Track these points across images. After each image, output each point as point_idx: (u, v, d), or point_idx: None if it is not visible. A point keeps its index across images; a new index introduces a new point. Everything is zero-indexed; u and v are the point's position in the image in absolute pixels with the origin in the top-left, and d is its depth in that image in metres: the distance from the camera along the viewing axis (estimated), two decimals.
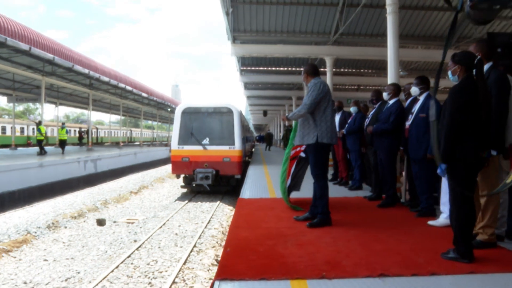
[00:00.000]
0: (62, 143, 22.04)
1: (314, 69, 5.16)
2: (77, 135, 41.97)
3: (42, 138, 19.84)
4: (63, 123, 23.67)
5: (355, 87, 31.95)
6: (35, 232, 9.27)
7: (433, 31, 17.59)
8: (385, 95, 6.52)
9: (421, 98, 5.44)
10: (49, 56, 17.67)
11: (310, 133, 4.91)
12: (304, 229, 4.74)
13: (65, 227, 10.16)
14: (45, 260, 7.44)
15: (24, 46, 15.82)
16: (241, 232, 4.67)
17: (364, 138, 7.35)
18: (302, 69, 5.63)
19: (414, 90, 5.57)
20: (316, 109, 4.89)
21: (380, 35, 17.56)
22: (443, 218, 4.78)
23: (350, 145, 8.19)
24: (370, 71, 26.21)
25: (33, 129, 38.15)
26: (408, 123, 5.60)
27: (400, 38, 10.04)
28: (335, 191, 7.67)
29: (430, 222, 4.88)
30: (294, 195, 6.40)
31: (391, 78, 9.04)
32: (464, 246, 3.48)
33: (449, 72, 3.78)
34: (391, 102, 6.33)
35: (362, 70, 26.15)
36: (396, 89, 6.37)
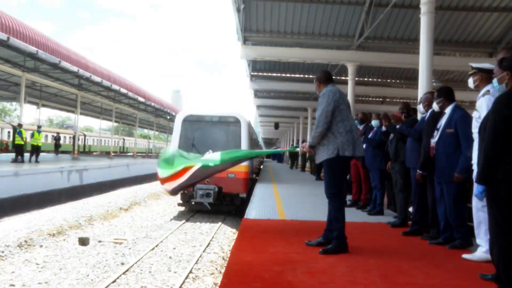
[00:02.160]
0: (36, 150, 21.12)
1: (327, 75, 5.20)
2: (53, 141, 39.40)
3: (22, 143, 19.67)
4: (39, 126, 23.22)
5: (380, 99, 31.98)
6: (2, 252, 9.11)
7: (475, 36, 17.54)
8: (420, 107, 6.47)
9: (447, 111, 5.41)
10: (32, 49, 17.45)
11: (330, 146, 4.89)
12: (316, 255, 4.72)
13: (41, 246, 10.10)
14: (12, 285, 7.32)
15: (1, 35, 15.48)
16: (245, 255, 4.65)
17: (388, 154, 7.31)
18: None
19: (434, 105, 5.65)
20: (333, 120, 4.90)
21: (411, 39, 17.60)
22: (482, 252, 4.66)
23: (369, 163, 8.15)
24: (398, 81, 26.23)
25: (9, 132, 38.16)
26: (433, 141, 5.56)
27: (435, 44, 10.07)
28: (352, 215, 7.63)
29: (466, 256, 4.77)
30: (304, 217, 6.37)
31: (422, 89, 9.03)
32: (509, 286, 3.35)
33: (495, 80, 3.77)
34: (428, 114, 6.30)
35: (389, 80, 26.18)
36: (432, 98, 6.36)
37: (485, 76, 4.67)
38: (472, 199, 4.71)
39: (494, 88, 4.15)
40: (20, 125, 20.31)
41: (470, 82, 4.85)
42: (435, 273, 4.19)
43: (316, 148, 5.08)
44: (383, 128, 7.70)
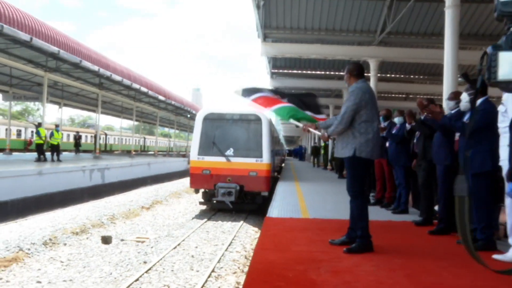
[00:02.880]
0: (56, 149, 21.29)
1: (359, 69, 5.13)
2: (73, 140, 39.37)
3: (42, 142, 19.97)
4: (57, 125, 23.51)
5: (403, 95, 31.65)
6: (29, 249, 9.31)
7: (502, 29, 17.10)
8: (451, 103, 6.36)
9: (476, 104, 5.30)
10: (54, 49, 17.70)
11: (348, 145, 4.88)
12: (340, 254, 4.70)
13: (65, 244, 10.29)
14: (38, 282, 7.49)
15: (24, 36, 15.71)
16: (268, 254, 4.67)
17: (414, 151, 7.22)
18: (342, 73, 5.65)
19: (464, 97, 5.48)
20: (357, 118, 4.86)
21: (435, 34, 17.36)
22: None
23: (393, 159, 8.07)
24: (422, 77, 25.91)
25: (32, 132, 38.78)
26: (458, 134, 5.49)
27: (460, 38, 9.90)
28: (376, 214, 7.57)
29: (496, 257, 4.64)
30: (327, 216, 6.35)
31: (447, 85, 8.90)
32: None
33: None
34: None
35: (412, 76, 25.90)
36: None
37: None
38: (505, 197, 4.61)
39: None
40: (39, 124, 20.57)
41: None
42: (463, 274, 4.13)
43: (336, 142, 5.12)
44: (407, 126, 7.61)
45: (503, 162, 4.52)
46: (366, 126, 4.86)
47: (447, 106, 6.34)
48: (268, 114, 7.91)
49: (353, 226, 5.04)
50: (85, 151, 43.68)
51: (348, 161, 4.94)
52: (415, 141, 7.10)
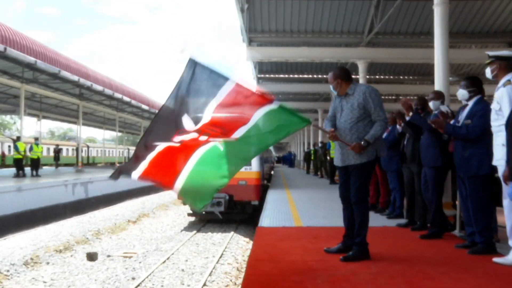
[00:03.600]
0: (35, 163, 21.13)
1: (347, 72, 5.09)
2: (53, 153, 38.46)
3: (21, 156, 19.74)
4: (36, 139, 23.36)
5: (393, 97, 31.85)
6: (8, 271, 9.17)
7: (492, 25, 17.27)
8: (431, 104, 6.43)
9: (470, 103, 5.31)
10: (30, 59, 17.58)
11: (370, 148, 4.80)
12: (336, 263, 4.66)
13: (47, 263, 10.16)
14: None
15: None
16: (262, 265, 4.62)
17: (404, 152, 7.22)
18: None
19: (462, 94, 5.41)
20: (368, 118, 4.90)
21: (424, 33, 17.49)
22: None
23: (385, 164, 8.08)
24: (412, 77, 26.13)
25: (9, 146, 38.44)
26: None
27: (450, 36, 9.94)
28: (371, 220, 7.52)
29: (497, 260, 4.63)
30: (321, 223, 6.32)
31: (438, 85, 8.89)
32: None
33: None
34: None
35: (402, 77, 26.10)
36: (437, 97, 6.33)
37: (504, 65, 4.59)
38: (503, 198, 4.61)
39: None
40: (18, 138, 20.32)
41: (488, 72, 4.77)
42: (465, 279, 4.12)
43: (343, 150, 4.94)
44: (399, 128, 7.63)
45: (498, 162, 4.52)
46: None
47: (433, 106, 6.36)
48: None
49: (349, 233, 5.01)
50: (66, 165, 43.39)
51: (367, 165, 4.85)
52: (405, 142, 7.09)
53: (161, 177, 4.53)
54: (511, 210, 4.51)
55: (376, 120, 4.82)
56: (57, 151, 35.13)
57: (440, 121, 5.39)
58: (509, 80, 4.42)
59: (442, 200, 6.18)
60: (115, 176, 4.36)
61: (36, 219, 15.33)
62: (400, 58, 19.24)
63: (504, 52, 4.66)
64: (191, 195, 4.65)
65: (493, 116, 4.64)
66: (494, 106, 4.60)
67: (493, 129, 4.66)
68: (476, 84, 5.34)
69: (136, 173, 4.33)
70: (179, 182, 4.39)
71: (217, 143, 4.46)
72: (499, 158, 4.49)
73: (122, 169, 4.57)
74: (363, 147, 4.73)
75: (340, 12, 16.61)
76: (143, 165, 4.32)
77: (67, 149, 50.06)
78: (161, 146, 4.35)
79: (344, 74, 5.03)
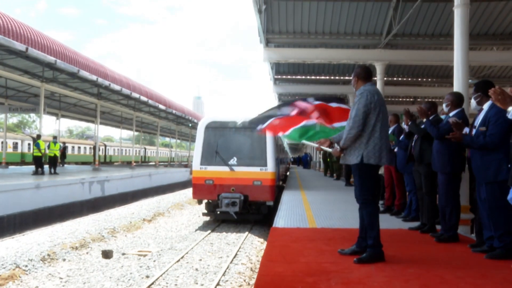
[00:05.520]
0: (53, 161, 21.45)
1: (366, 72, 5.06)
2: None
3: (40, 154, 19.91)
4: (54, 137, 23.57)
5: (411, 99, 31.58)
6: (26, 266, 9.26)
7: None
8: (444, 106, 6.36)
9: (485, 107, 5.20)
10: (50, 59, 17.72)
11: (355, 151, 4.80)
12: (350, 265, 4.63)
13: (64, 260, 10.25)
14: None
15: (19, 46, 15.72)
16: (275, 266, 4.60)
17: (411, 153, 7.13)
18: (347, 77, 5.55)
19: (473, 107, 5.41)
20: (366, 122, 4.80)
21: (443, 35, 17.27)
22: None
23: (401, 166, 8.01)
24: (430, 79, 25.82)
25: (29, 144, 38.84)
26: None
27: (470, 38, 9.80)
28: (386, 222, 7.51)
29: None
30: (335, 225, 6.28)
31: (458, 87, 8.77)
32: None
33: None
34: (451, 114, 6.17)
35: (420, 79, 25.81)
36: (455, 99, 6.21)
37: None
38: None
39: None
40: (38, 137, 20.55)
41: None
42: (482, 284, 4.04)
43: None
44: (405, 127, 7.53)
45: None
46: (374, 131, 4.78)
47: (446, 110, 6.30)
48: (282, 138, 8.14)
49: (363, 235, 4.97)
50: (84, 163, 43.84)
51: (356, 168, 4.86)
52: (413, 143, 7.01)
53: (274, 130, 7.29)
54: None
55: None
56: (63, 149, 35.16)
57: (457, 136, 5.31)
58: None
59: (458, 202, 6.09)
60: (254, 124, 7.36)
61: (54, 216, 15.49)
62: (418, 60, 19.05)
63: None
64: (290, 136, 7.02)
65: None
66: (510, 109, 4.47)
67: None
68: (480, 89, 5.26)
69: (260, 127, 6.91)
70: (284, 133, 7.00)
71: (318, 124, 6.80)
72: None
73: (254, 120, 7.20)
74: (339, 153, 5.02)
75: (358, 14, 16.49)
76: (267, 124, 6.89)
77: (85, 148, 50.56)
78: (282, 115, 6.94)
79: (362, 73, 5.04)
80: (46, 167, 20.68)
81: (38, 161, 20.00)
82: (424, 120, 6.39)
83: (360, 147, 4.78)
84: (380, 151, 4.79)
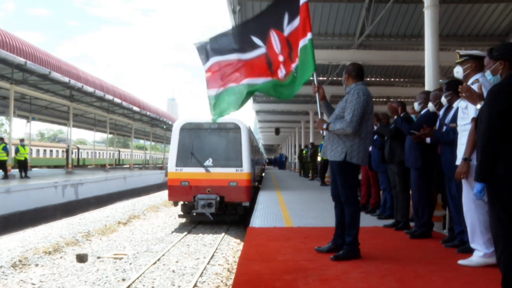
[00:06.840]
0: (23, 165, 21.02)
1: (358, 70, 5.09)
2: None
3: (6, 158, 19.50)
4: (21, 140, 23.14)
5: (384, 99, 31.96)
6: None
7: (481, 29, 17.36)
8: (415, 105, 6.52)
9: (455, 105, 5.32)
10: (20, 60, 17.38)
11: (338, 148, 4.85)
12: (327, 262, 4.68)
13: (36, 265, 10.05)
14: None
15: None
16: (253, 265, 4.62)
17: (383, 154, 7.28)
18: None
19: (443, 100, 5.57)
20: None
21: (415, 35, 17.57)
22: (478, 256, 4.46)
23: (376, 165, 8.13)
24: (402, 79, 26.21)
25: None
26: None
27: (440, 39, 10.03)
28: (361, 220, 7.53)
29: (461, 262, 4.58)
30: (311, 223, 6.34)
31: (429, 87, 8.98)
32: None
33: (488, 72, 3.74)
34: (423, 112, 6.34)
35: (392, 79, 26.17)
36: (428, 98, 6.36)
37: (476, 64, 4.58)
38: (463, 199, 4.59)
39: (484, 77, 4.15)
40: (1, 139, 19.99)
41: (460, 72, 4.77)
42: (454, 277, 4.15)
43: (325, 142, 5.05)
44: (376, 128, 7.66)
45: (460, 162, 4.48)
46: (360, 131, 4.82)
47: (415, 108, 6.48)
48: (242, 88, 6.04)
49: (339, 232, 5.03)
50: (56, 167, 43.15)
51: (338, 165, 4.89)
52: (385, 143, 7.17)
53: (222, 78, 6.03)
54: (470, 210, 4.47)
55: (345, 118, 4.82)
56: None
57: (427, 134, 5.50)
58: (477, 79, 4.43)
59: (430, 199, 6.22)
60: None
61: (25, 221, 15.21)
62: (391, 60, 19.33)
63: (476, 52, 4.70)
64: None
65: (460, 114, 4.64)
66: (461, 104, 4.60)
67: (459, 128, 4.64)
68: (451, 87, 5.40)
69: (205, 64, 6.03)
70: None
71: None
72: (460, 157, 4.48)
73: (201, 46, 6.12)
74: (322, 127, 4.98)
75: (332, 14, 16.65)
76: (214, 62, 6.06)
77: (57, 151, 49.80)
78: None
79: (353, 71, 5.09)
80: (15, 171, 20.26)
81: (2, 165, 19.54)
82: (395, 117, 6.54)
83: (344, 144, 4.82)
84: (364, 151, 4.87)
